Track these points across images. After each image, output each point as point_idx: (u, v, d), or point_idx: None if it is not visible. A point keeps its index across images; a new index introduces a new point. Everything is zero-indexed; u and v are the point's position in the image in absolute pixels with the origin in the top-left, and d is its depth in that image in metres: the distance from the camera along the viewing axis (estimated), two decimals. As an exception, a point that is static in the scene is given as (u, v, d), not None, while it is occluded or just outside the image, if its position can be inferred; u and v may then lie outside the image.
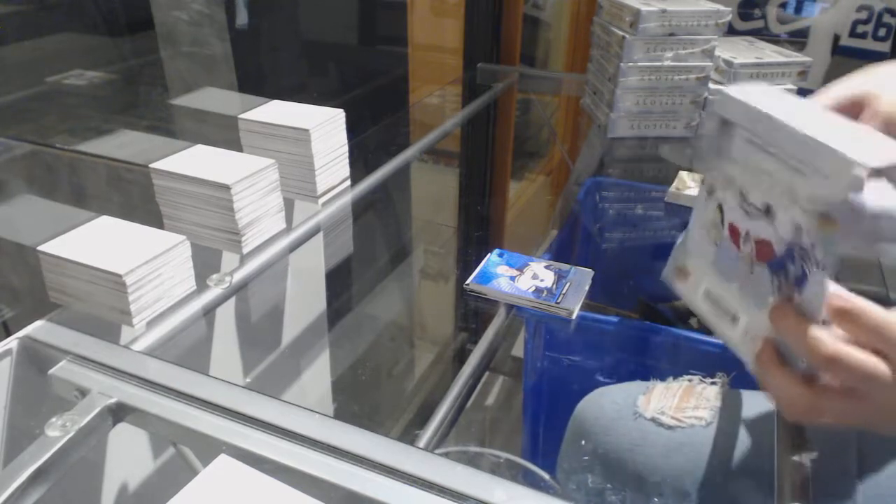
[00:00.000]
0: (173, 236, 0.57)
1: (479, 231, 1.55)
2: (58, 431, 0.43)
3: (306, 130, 0.69)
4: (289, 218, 0.70)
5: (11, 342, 0.52)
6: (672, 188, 0.92)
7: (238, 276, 0.63)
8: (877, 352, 0.38)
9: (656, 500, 0.60)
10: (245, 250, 0.64)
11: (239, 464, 0.38)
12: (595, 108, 1.17)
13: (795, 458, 0.44)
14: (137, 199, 0.69)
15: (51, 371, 0.49)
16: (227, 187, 0.60)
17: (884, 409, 0.38)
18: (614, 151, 1.12)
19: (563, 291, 0.69)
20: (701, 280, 0.49)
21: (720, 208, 0.46)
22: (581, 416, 0.68)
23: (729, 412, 0.62)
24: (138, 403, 0.46)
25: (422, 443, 0.62)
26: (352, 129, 0.76)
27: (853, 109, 0.50)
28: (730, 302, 0.46)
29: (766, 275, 0.42)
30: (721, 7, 1.03)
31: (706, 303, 0.48)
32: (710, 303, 0.48)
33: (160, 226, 0.66)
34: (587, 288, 0.71)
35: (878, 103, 0.48)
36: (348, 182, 0.79)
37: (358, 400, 1.11)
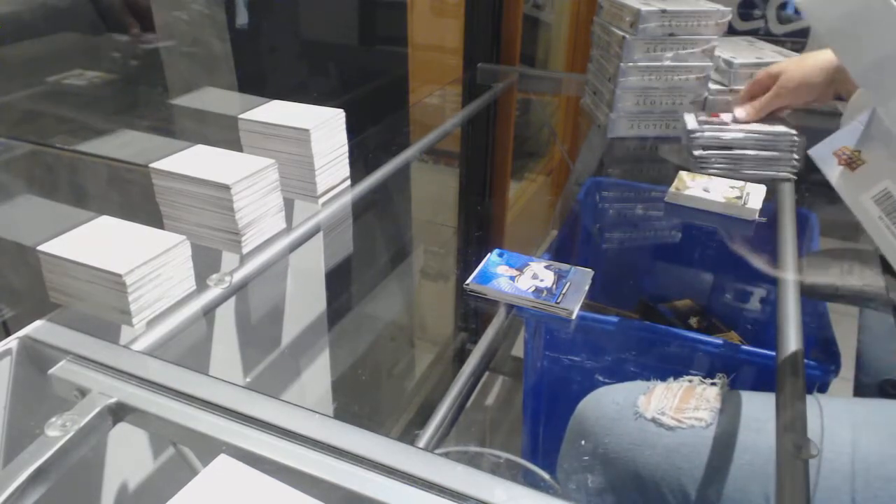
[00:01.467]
0: (173, 236, 0.57)
1: (479, 231, 1.55)
2: (58, 431, 0.43)
3: (306, 130, 0.69)
4: (289, 218, 0.70)
5: (11, 342, 0.52)
6: (672, 188, 0.92)
7: (238, 276, 0.63)
8: None
9: (656, 500, 0.60)
10: (245, 250, 0.64)
11: (239, 464, 0.38)
12: (595, 108, 1.17)
13: (795, 458, 0.44)
14: (137, 199, 0.69)
15: (51, 371, 0.49)
16: (227, 187, 0.60)
17: None
18: (614, 151, 1.12)
19: (563, 291, 0.69)
20: (880, 175, 0.42)
21: None
22: (581, 416, 0.68)
23: (729, 413, 0.62)
24: (138, 403, 0.46)
25: (422, 443, 0.62)
26: (352, 129, 0.76)
27: (769, 82, 0.91)
28: None
29: None
30: (721, 7, 1.03)
31: (877, 204, 0.42)
32: (887, 206, 0.41)
33: (160, 226, 0.66)
34: (587, 288, 0.71)
35: (784, 78, 0.84)
36: (348, 182, 0.79)
37: (358, 400, 1.11)
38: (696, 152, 0.95)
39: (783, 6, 2.16)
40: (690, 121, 0.97)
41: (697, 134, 0.94)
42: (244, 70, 0.91)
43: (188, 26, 0.86)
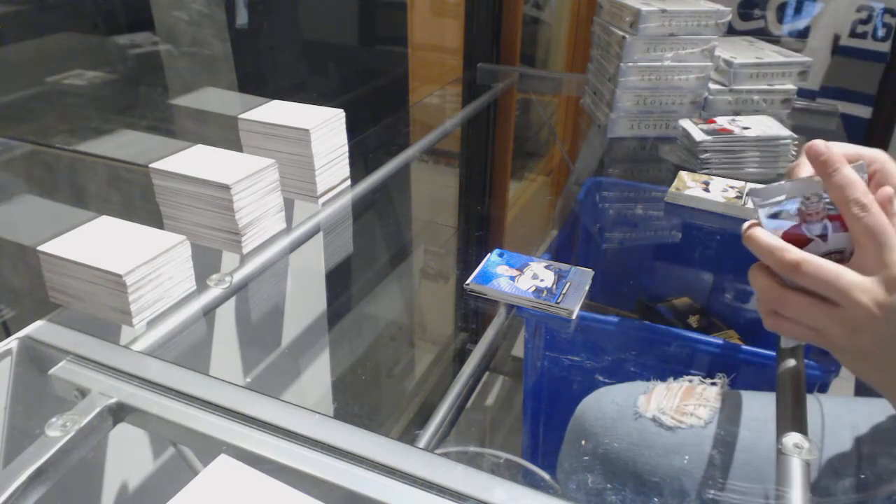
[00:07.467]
0: (173, 236, 0.57)
1: (479, 231, 1.55)
2: (58, 431, 0.43)
3: (306, 130, 0.69)
4: (289, 218, 0.70)
5: (11, 342, 0.52)
6: (672, 188, 0.92)
7: (238, 276, 0.63)
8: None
9: (656, 500, 0.60)
10: (245, 250, 0.64)
11: (239, 464, 0.38)
12: (595, 108, 1.17)
13: (795, 457, 0.44)
14: (137, 199, 0.69)
15: (51, 371, 0.49)
16: (227, 187, 0.60)
17: (844, 323, 0.45)
18: (614, 151, 1.12)
19: (563, 291, 0.69)
20: None
21: None
22: (581, 416, 0.68)
23: (728, 412, 0.62)
24: (138, 403, 0.46)
25: (422, 443, 0.62)
26: (352, 129, 0.76)
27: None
28: None
29: None
30: (721, 7, 1.03)
31: None
32: None
33: (160, 226, 0.66)
34: (587, 288, 0.71)
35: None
36: (348, 182, 0.79)
37: (358, 400, 1.11)
38: (703, 156, 0.95)
39: (783, 6, 2.16)
40: (694, 131, 0.97)
41: (706, 145, 0.94)
42: (244, 70, 0.91)
43: (188, 26, 0.86)
